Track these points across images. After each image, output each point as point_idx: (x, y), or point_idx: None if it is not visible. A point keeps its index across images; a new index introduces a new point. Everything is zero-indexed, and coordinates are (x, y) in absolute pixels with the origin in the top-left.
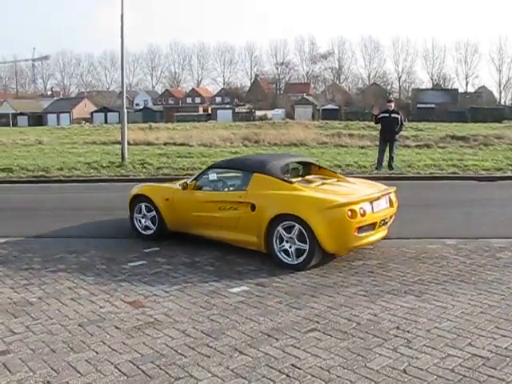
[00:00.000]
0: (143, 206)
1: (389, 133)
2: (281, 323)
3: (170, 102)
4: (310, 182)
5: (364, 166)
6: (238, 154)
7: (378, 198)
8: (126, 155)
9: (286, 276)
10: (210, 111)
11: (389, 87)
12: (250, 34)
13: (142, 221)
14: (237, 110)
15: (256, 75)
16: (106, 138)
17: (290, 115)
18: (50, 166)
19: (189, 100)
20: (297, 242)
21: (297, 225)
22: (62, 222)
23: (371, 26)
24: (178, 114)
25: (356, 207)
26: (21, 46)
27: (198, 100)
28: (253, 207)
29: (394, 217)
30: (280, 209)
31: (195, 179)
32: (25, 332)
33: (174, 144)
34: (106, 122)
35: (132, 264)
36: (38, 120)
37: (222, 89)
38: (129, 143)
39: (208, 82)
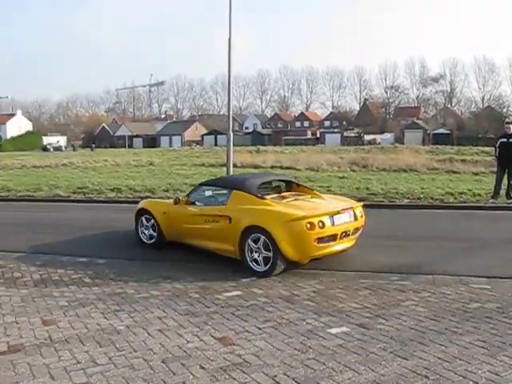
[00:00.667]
0: (144, 218)
1: (507, 159)
2: (384, 375)
3: (279, 125)
4: (283, 197)
5: (479, 195)
6: (345, 180)
7: (339, 213)
8: None
9: (392, 318)
10: (318, 135)
11: (505, 110)
12: (358, 57)
13: (145, 231)
14: (345, 134)
15: (365, 99)
16: (214, 160)
17: (399, 140)
18: (156, 186)
19: (297, 124)
20: (263, 251)
21: (262, 236)
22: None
23: (485, 46)
24: (286, 137)
25: (314, 220)
26: (139, 73)
27: (306, 124)
28: (230, 220)
29: (361, 229)
30: (250, 221)
31: (187, 195)
32: (107, 364)
33: (281, 167)
34: (215, 144)
35: (227, 294)
36: (151, 142)
37: (331, 113)
38: (235, 165)
39: (317, 106)
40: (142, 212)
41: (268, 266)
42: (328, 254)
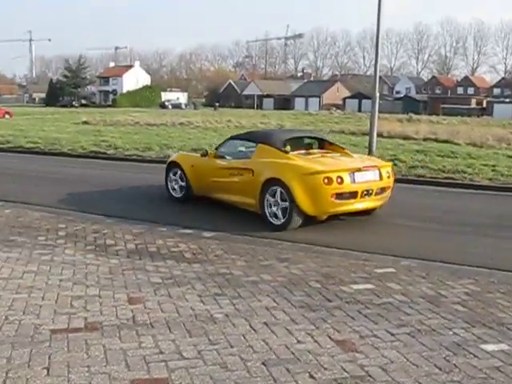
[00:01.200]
0: (172, 172)
1: None
2: None
3: (437, 91)
4: (310, 154)
5: None
6: None
7: (360, 170)
8: (374, 148)
9: None
10: (484, 105)
11: None
12: None
13: (175, 185)
14: None
15: None
16: (356, 128)
17: None
18: None
19: (460, 90)
20: (280, 202)
21: (280, 188)
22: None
23: None
24: (444, 105)
25: (333, 175)
26: (273, 23)
27: (470, 91)
28: (253, 173)
29: (388, 190)
30: (270, 174)
31: (216, 148)
32: (195, 359)
33: (436, 140)
34: (359, 109)
35: (356, 287)
36: (284, 103)
37: (503, 78)
38: (382, 135)
39: (485, 69)
40: (171, 165)
41: (285, 218)
42: (348, 211)
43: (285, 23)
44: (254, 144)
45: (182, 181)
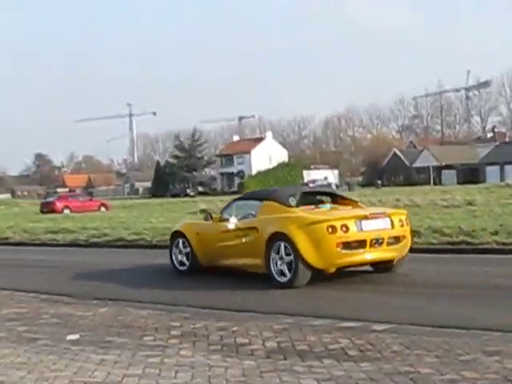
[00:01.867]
0: (177, 242)
1: None
2: None
3: None
4: (318, 208)
5: None
6: None
7: (367, 218)
8: None
9: None
10: None
11: None
12: None
13: (179, 256)
14: None
15: None
16: None
17: None
18: (478, 228)
19: None
20: (285, 256)
21: (283, 242)
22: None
23: None
24: None
25: (336, 223)
26: (448, 70)
27: None
28: (257, 230)
29: (403, 240)
30: (273, 228)
31: (220, 212)
32: None
33: None
34: None
35: None
36: (470, 175)
37: None
38: None
39: None
40: (175, 235)
41: (291, 273)
42: (358, 263)
43: (464, 68)
44: (259, 202)
45: (186, 249)
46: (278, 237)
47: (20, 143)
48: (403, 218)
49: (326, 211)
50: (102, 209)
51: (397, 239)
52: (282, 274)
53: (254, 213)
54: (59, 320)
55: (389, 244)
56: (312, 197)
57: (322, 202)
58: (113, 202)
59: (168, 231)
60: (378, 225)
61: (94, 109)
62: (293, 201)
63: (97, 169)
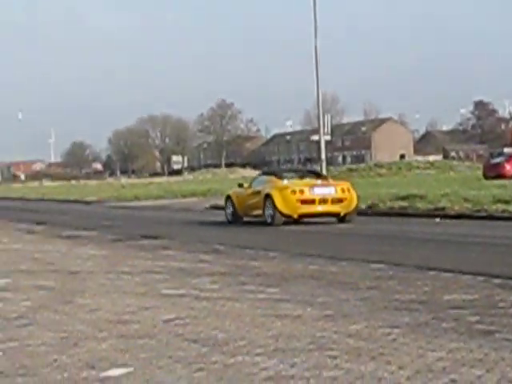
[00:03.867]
0: (229, 202)
1: None
2: None
3: None
4: (300, 179)
5: None
6: None
7: (316, 185)
8: None
9: None
10: None
11: None
12: None
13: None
14: None
15: None
16: None
17: None
18: None
19: None
20: (270, 207)
21: (269, 199)
22: None
23: None
24: None
25: (296, 189)
26: None
27: None
28: (260, 193)
29: (344, 201)
30: (266, 191)
31: (249, 183)
32: None
33: None
34: None
35: None
36: None
37: None
38: None
39: None
40: (227, 198)
41: (272, 218)
42: (313, 213)
43: None
44: (267, 177)
45: (232, 207)
46: (267, 196)
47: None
48: (345, 187)
49: (297, 182)
50: None
51: (339, 200)
52: (270, 217)
53: (263, 183)
54: None
55: (333, 202)
56: (301, 173)
57: (304, 176)
58: None
59: None
60: (324, 191)
61: None
62: (286, 176)
63: None
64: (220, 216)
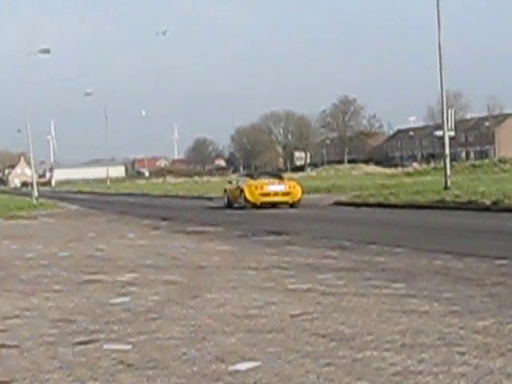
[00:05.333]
0: (225, 194)
1: None
2: None
3: None
4: (268, 179)
5: None
6: None
7: (270, 183)
8: None
9: None
10: None
11: None
12: None
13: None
14: None
15: None
16: None
17: None
18: None
19: None
20: (242, 197)
21: (242, 191)
22: None
23: None
24: None
25: (258, 185)
26: None
27: None
28: (239, 187)
29: (290, 194)
30: (241, 187)
31: (237, 181)
32: None
33: None
34: None
35: None
36: None
37: None
38: None
39: None
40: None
41: (243, 204)
42: (270, 202)
43: None
44: (246, 177)
45: (227, 197)
46: (241, 190)
47: None
48: (292, 184)
49: (260, 181)
50: None
51: (287, 193)
52: (242, 204)
53: (242, 181)
54: None
55: (283, 195)
56: (270, 175)
57: (271, 177)
58: None
59: None
60: (276, 188)
61: None
62: (259, 177)
63: None
64: (344, 212)
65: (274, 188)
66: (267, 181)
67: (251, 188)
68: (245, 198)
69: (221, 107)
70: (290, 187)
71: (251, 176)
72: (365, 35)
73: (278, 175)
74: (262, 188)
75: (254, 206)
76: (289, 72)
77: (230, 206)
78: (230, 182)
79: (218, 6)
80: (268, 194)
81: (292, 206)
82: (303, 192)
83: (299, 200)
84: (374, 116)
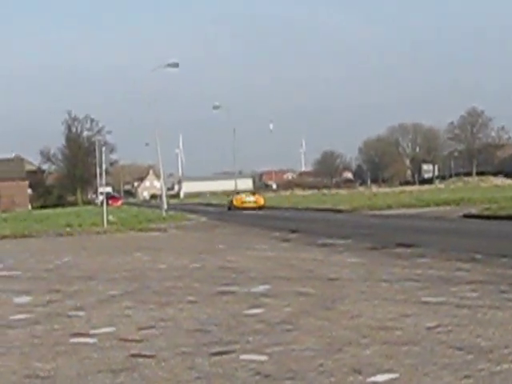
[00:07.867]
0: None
1: None
2: None
3: None
4: (247, 196)
5: None
6: None
7: (247, 196)
8: None
9: None
10: None
11: None
12: None
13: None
14: None
15: None
16: None
17: None
18: None
19: None
20: (232, 204)
21: (232, 200)
22: None
23: None
24: None
25: (239, 198)
26: None
27: None
28: (232, 199)
29: (259, 203)
30: (231, 199)
31: (232, 195)
32: None
33: None
34: None
35: None
36: None
37: None
38: None
39: None
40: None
41: (230, 208)
42: (246, 207)
43: None
44: (238, 194)
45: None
46: (231, 200)
47: None
48: (259, 197)
49: (241, 196)
50: None
51: (256, 202)
52: (230, 208)
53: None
54: None
55: (254, 203)
56: (248, 193)
57: (250, 193)
58: None
59: None
60: (250, 199)
61: None
62: (242, 194)
63: None
64: (473, 224)
65: (249, 199)
66: (244, 195)
67: (237, 199)
68: (232, 204)
69: (347, 119)
70: (256, 199)
71: (237, 193)
72: (493, 43)
73: (251, 192)
74: (242, 199)
75: (237, 208)
76: (414, 82)
77: (229, 209)
78: (238, 193)
79: (337, 17)
80: (245, 202)
81: (259, 209)
82: (265, 201)
83: (263, 206)
84: (503, 128)
